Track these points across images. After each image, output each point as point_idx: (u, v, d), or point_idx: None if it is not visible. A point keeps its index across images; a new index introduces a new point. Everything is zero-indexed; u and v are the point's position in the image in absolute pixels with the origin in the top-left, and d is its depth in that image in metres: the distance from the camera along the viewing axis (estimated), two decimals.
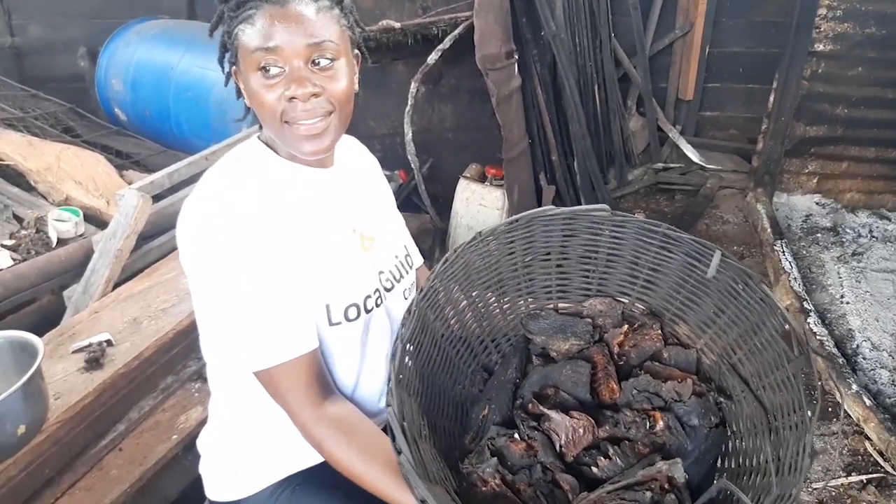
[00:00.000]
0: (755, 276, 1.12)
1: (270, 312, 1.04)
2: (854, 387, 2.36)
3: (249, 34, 1.01)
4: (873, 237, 3.51)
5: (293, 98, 1.02)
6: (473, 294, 1.25)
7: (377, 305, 1.19)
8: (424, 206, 3.36)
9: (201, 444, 1.35)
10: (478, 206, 3.14)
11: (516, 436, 1.07)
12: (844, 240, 3.49)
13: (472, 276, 1.23)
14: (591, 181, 3.71)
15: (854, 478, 2.15)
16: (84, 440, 1.81)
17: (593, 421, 1.08)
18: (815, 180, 3.87)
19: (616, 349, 1.23)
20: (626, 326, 1.24)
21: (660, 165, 4.35)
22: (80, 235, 2.67)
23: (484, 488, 0.99)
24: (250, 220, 1.03)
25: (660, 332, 1.23)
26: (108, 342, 1.94)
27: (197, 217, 1.05)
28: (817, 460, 2.23)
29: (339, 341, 1.16)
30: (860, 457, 2.24)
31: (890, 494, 2.09)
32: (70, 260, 2.48)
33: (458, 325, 1.24)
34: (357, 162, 1.32)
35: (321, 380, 1.09)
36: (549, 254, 1.29)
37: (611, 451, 1.04)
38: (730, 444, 1.12)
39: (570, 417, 1.07)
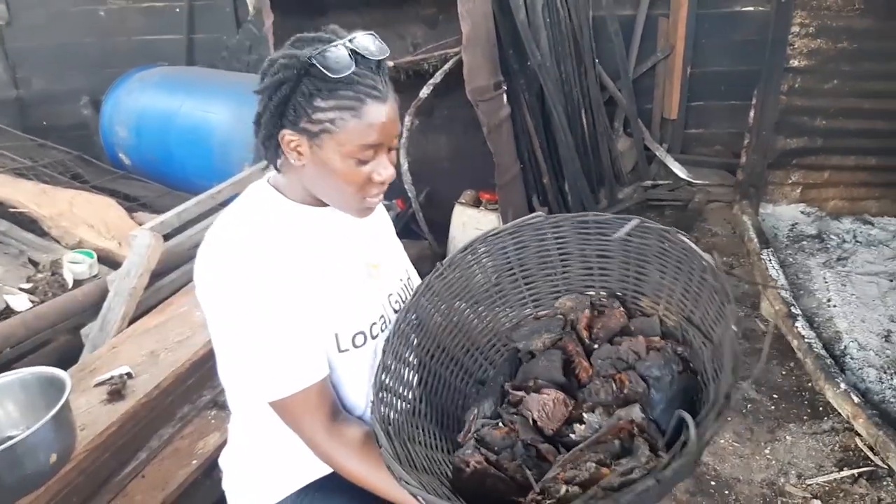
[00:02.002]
0: (672, 230, 1.19)
1: (283, 348, 1.12)
2: (843, 385, 2.45)
3: (354, 127, 1.06)
4: (857, 242, 3.63)
5: (382, 183, 1.14)
6: (455, 318, 1.36)
7: (382, 330, 1.27)
8: (423, 232, 3.46)
9: (223, 462, 1.44)
10: (474, 230, 3.26)
11: (500, 424, 1.17)
12: (829, 246, 3.60)
13: (457, 290, 1.35)
14: (582, 202, 3.83)
15: (846, 472, 2.23)
16: (108, 469, 1.90)
17: (564, 395, 1.16)
18: (798, 190, 3.99)
19: (585, 333, 1.31)
20: (587, 311, 1.33)
21: (649, 183, 4.46)
22: (95, 276, 2.79)
23: (467, 468, 1.08)
24: (265, 264, 1.11)
25: (622, 308, 1.31)
26: (129, 374, 2.04)
27: (217, 262, 1.13)
28: (811, 457, 2.31)
29: (348, 366, 1.24)
30: (851, 452, 2.32)
31: (881, 486, 2.17)
32: (87, 300, 2.59)
33: (445, 347, 1.34)
34: None
35: (331, 402, 1.18)
36: (511, 268, 1.39)
37: (586, 417, 1.12)
38: (703, 391, 1.14)
39: (540, 394, 1.17)
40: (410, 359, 1.25)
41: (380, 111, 1.07)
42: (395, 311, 1.33)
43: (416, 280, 1.50)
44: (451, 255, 1.34)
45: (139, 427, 1.99)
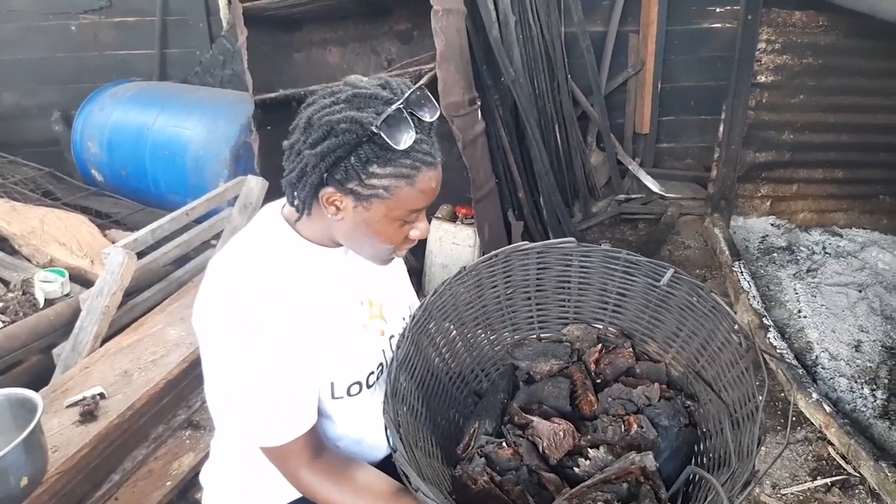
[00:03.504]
0: (705, 287, 1.26)
1: (275, 399, 1.11)
2: (814, 395, 2.49)
3: (407, 195, 1.06)
4: (826, 253, 3.70)
5: (414, 241, 1.15)
6: (462, 326, 1.38)
7: (378, 378, 1.26)
8: None
9: (204, 478, 1.43)
10: (451, 244, 3.27)
11: (504, 444, 1.19)
12: (799, 257, 3.67)
13: (460, 308, 1.37)
14: (556, 215, 3.87)
15: (819, 481, 2.27)
16: (81, 491, 1.88)
17: (573, 426, 1.20)
18: (768, 203, 4.07)
19: (593, 367, 1.36)
20: (599, 345, 1.37)
21: (622, 197, 4.51)
22: (67, 295, 2.75)
23: (474, 486, 1.11)
24: (265, 306, 1.08)
25: (631, 349, 1.36)
26: (101, 395, 2.02)
27: (217, 295, 1.11)
28: (785, 467, 2.35)
29: (339, 411, 1.24)
30: (824, 461, 2.36)
31: (853, 494, 2.21)
32: (59, 319, 2.55)
33: (448, 353, 1.36)
34: None
35: (316, 444, 1.18)
36: (528, 286, 1.42)
37: (591, 453, 1.16)
38: (701, 444, 1.22)
39: (552, 422, 1.20)
40: (418, 361, 1.25)
41: (432, 178, 1.07)
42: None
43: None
44: (476, 261, 1.35)
45: (112, 448, 1.97)
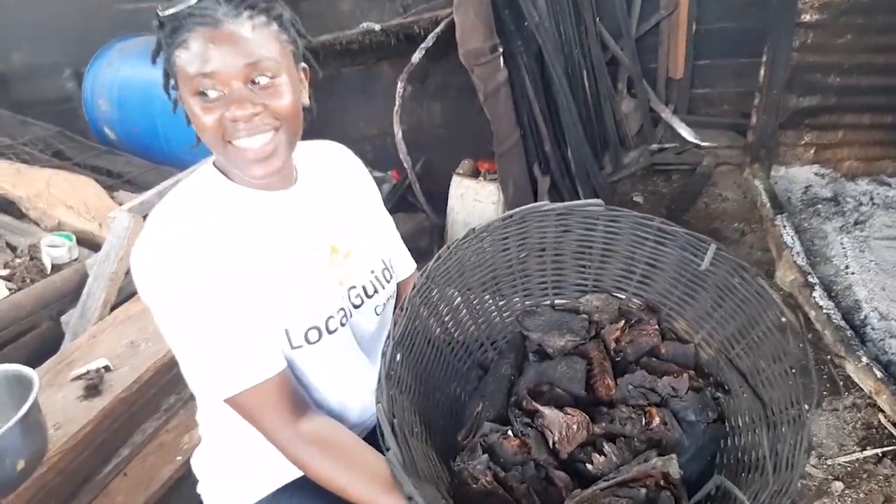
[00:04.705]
0: (751, 268, 1.11)
1: (227, 342, 1.05)
2: (864, 359, 2.33)
3: (185, 59, 0.99)
4: (874, 204, 3.49)
5: (235, 120, 1.01)
6: (468, 292, 1.24)
7: (342, 325, 1.18)
8: (420, 204, 3.34)
9: (196, 464, 1.37)
10: (473, 201, 3.12)
11: (510, 433, 1.07)
12: (846, 209, 3.46)
13: (467, 273, 1.22)
14: (585, 169, 3.68)
15: (869, 451, 2.12)
16: (88, 468, 1.80)
17: (588, 417, 1.07)
18: (812, 151, 3.84)
19: (612, 345, 1.22)
20: (622, 322, 1.23)
21: (655, 147, 4.31)
22: (75, 260, 2.66)
23: (475, 486, 1.00)
24: (201, 254, 1.04)
25: (657, 327, 1.22)
26: (107, 368, 1.93)
27: (150, 253, 1.05)
28: (831, 435, 2.20)
29: (305, 362, 1.16)
30: (874, 430, 2.21)
31: None
32: (66, 286, 2.48)
33: (452, 323, 1.23)
34: (331, 171, 1.29)
35: (294, 399, 1.10)
36: (543, 250, 1.27)
37: (606, 448, 1.04)
38: (728, 439, 1.11)
39: (565, 414, 1.07)
40: (418, 334, 1.12)
41: (208, 34, 0.98)
42: (356, 307, 1.22)
43: (402, 268, 1.39)
44: (486, 223, 1.20)
45: (119, 423, 1.89)
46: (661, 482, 0.97)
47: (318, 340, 1.15)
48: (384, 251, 1.33)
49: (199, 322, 1.04)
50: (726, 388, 1.14)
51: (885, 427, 2.20)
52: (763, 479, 0.94)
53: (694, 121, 4.36)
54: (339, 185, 1.29)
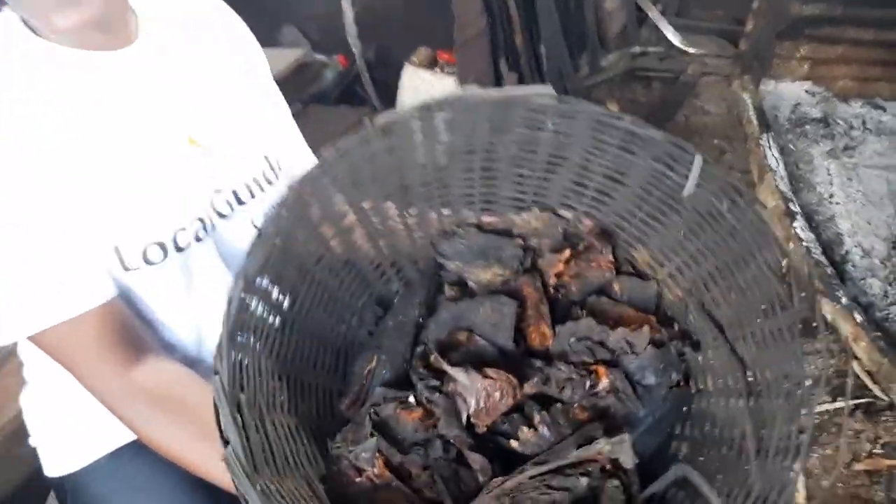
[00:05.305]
0: (746, 192, 0.80)
1: (28, 260, 0.80)
2: (844, 300, 2.11)
3: None
4: (867, 129, 3.20)
5: None
6: (365, 205, 0.92)
7: (198, 239, 0.91)
8: (369, 96, 2.98)
9: (25, 413, 1.10)
10: (427, 96, 2.76)
11: (411, 399, 0.79)
12: (835, 132, 3.18)
13: (364, 180, 0.89)
14: (559, 68, 3.31)
15: (840, 403, 1.94)
16: None
17: (516, 380, 0.80)
18: (806, 66, 3.52)
19: (552, 280, 0.93)
20: (567, 251, 0.93)
21: (637, 50, 3.96)
22: None
23: (358, 479, 0.73)
24: None
25: (611, 258, 0.92)
26: None
27: None
28: None
29: (145, 290, 0.90)
30: (846, 379, 2.02)
31: (879, 421, 1.88)
32: None
33: (341, 246, 0.91)
34: (195, 32, 0.95)
35: (124, 339, 0.84)
36: (471, 152, 0.94)
37: (536, 419, 0.77)
38: (694, 405, 0.85)
39: (485, 377, 0.78)
40: (286, 265, 0.81)
41: None
42: (221, 217, 0.93)
43: (299, 167, 1.06)
44: (389, 112, 0.85)
45: None
46: (608, 467, 0.73)
47: (163, 260, 0.89)
48: (270, 147, 1.03)
49: None
50: (695, 338, 0.87)
51: (859, 376, 2.00)
52: (740, 462, 0.71)
53: (683, 24, 4.01)
54: (204, 52, 0.96)
